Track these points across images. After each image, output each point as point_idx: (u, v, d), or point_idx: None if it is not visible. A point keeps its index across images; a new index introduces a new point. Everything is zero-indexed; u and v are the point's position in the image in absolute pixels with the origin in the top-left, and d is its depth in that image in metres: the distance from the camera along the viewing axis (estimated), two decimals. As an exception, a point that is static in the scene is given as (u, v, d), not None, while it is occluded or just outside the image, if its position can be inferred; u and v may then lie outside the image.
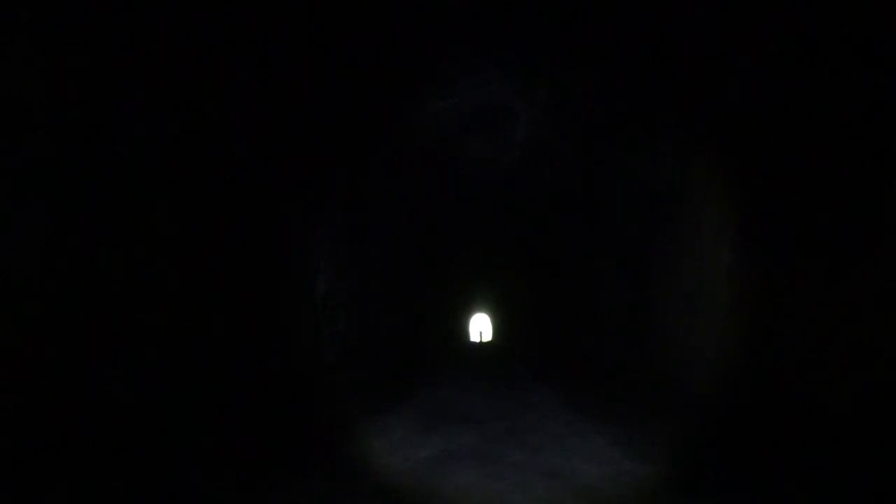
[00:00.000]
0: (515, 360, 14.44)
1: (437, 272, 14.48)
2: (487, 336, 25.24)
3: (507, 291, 18.04)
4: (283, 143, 5.49)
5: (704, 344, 5.12)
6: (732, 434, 4.25)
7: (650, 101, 5.96)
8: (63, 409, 2.91)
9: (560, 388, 8.12)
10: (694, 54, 4.89)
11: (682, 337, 5.65)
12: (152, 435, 3.53)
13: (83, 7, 2.94)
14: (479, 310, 24.99)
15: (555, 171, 10.36)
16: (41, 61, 2.73)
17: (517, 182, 12.09)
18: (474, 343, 25.35)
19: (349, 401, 6.57)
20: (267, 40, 4.73)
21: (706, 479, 3.56)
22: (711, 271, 5.01)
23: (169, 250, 3.78)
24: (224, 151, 4.48)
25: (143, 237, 3.53)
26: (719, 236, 4.88)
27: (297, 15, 4.82)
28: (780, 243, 3.99)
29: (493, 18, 5.79)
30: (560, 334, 11.28)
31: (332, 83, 6.05)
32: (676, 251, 5.86)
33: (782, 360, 3.92)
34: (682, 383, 5.54)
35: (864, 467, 3.07)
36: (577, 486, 3.49)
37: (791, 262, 3.85)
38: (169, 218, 3.77)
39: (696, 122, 5.27)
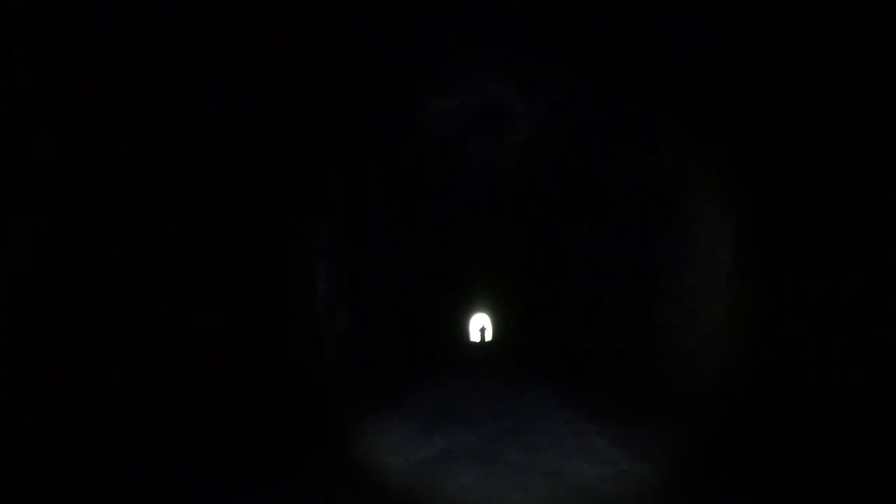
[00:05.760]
0: (515, 359, 14.44)
1: (438, 272, 14.47)
2: (487, 336, 25.26)
3: (507, 291, 18.04)
4: (285, 142, 5.49)
5: (704, 344, 5.12)
6: (732, 434, 4.25)
7: (650, 101, 5.96)
8: (63, 408, 2.91)
9: (560, 388, 8.12)
10: (693, 55, 4.88)
11: (682, 337, 5.65)
12: (151, 435, 3.53)
13: (80, 5, 2.94)
14: (479, 309, 25.00)
15: (555, 171, 10.36)
16: (41, 59, 2.73)
17: (517, 182, 12.08)
18: (474, 343, 25.35)
19: (349, 401, 6.57)
20: (271, 42, 4.73)
21: (706, 479, 3.56)
22: (711, 271, 5.01)
23: (168, 250, 3.78)
24: (224, 150, 4.48)
25: (142, 236, 3.53)
26: (719, 236, 4.88)
27: (302, 19, 4.82)
28: (779, 243, 3.98)
29: (492, 19, 5.78)
30: (560, 334, 11.28)
31: (332, 83, 6.05)
32: (676, 251, 5.86)
33: (782, 359, 3.92)
34: (683, 383, 5.54)
35: (865, 466, 3.07)
36: (577, 486, 3.49)
37: (791, 262, 3.85)
38: (168, 217, 3.77)
39: (695, 123, 5.27)
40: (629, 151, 7.04)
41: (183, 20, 3.71)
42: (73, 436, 2.94)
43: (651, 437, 4.70)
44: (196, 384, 4.02)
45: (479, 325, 25.91)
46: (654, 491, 3.37)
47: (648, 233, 6.63)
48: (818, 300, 3.57)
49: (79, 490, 2.87)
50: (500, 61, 6.89)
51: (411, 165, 10.33)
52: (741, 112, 4.39)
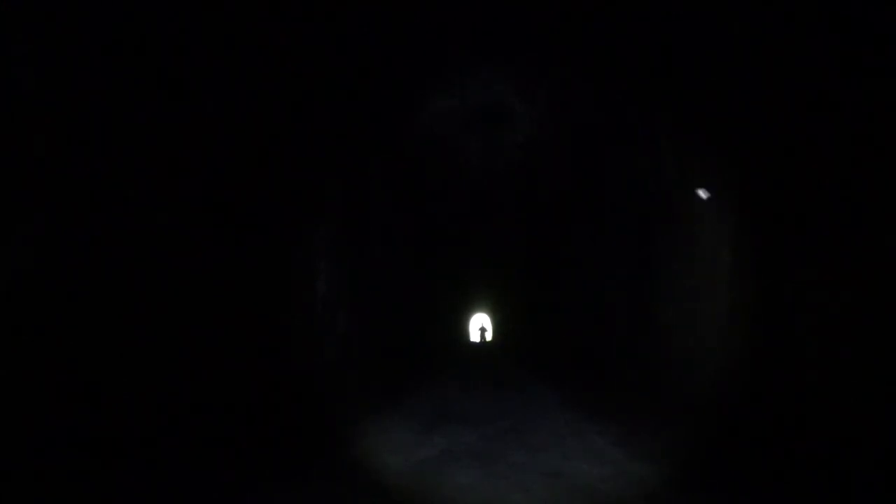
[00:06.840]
0: (515, 359, 14.44)
1: (438, 271, 14.47)
2: (488, 336, 25.27)
3: (507, 291, 18.04)
4: (284, 142, 5.49)
5: (704, 344, 5.12)
6: (733, 434, 4.25)
7: (650, 102, 5.96)
8: (63, 408, 2.91)
9: (560, 388, 8.12)
10: (693, 55, 4.88)
11: (682, 337, 5.65)
12: (151, 434, 3.53)
13: (79, 5, 2.94)
14: (479, 309, 24.98)
15: (555, 172, 10.36)
16: (41, 59, 2.73)
17: (518, 182, 12.08)
18: (475, 342, 25.34)
19: (349, 401, 6.57)
20: (271, 42, 4.73)
21: (707, 479, 3.56)
22: (711, 271, 5.01)
23: (168, 250, 3.78)
24: (224, 150, 4.48)
25: (142, 236, 3.53)
26: (719, 236, 4.88)
27: (302, 19, 4.82)
28: (779, 243, 3.98)
29: (492, 19, 5.78)
30: (560, 334, 11.28)
31: (332, 83, 6.05)
32: (676, 251, 5.86)
33: (782, 359, 3.92)
34: (683, 383, 5.54)
35: (865, 466, 3.07)
36: (577, 486, 3.49)
37: (791, 262, 3.85)
38: (168, 217, 3.77)
39: (695, 123, 5.27)
40: (629, 151, 7.04)
41: (183, 20, 3.71)
42: (73, 435, 2.94)
43: (651, 437, 4.70)
44: (196, 384, 4.02)
45: (480, 325, 25.91)
46: (654, 491, 3.37)
47: (648, 233, 6.63)
48: (818, 300, 3.57)
49: (79, 490, 2.87)
50: (500, 61, 6.89)
51: (411, 165, 10.33)
52: (741, 112, 4.39)
